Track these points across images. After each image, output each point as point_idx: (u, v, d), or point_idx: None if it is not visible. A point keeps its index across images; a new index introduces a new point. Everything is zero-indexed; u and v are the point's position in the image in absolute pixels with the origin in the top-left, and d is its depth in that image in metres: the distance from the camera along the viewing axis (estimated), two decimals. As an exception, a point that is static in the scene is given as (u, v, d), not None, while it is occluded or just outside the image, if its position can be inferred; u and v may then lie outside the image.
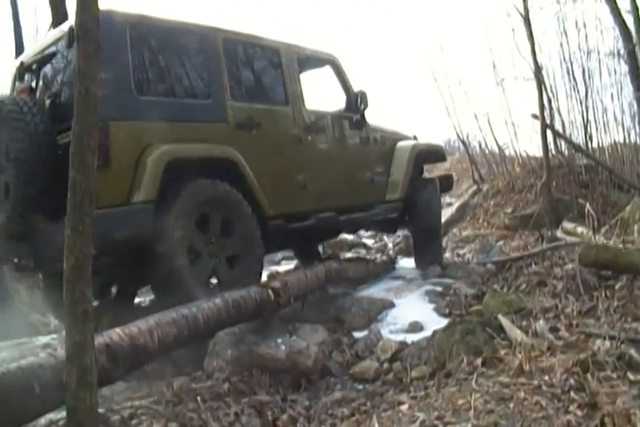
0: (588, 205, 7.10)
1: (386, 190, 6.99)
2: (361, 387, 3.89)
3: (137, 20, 4.75)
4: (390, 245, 10.20)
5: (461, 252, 9.42)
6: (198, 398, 3.27)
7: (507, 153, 13.79)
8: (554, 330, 3.86)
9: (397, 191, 6.99)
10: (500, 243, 9.14)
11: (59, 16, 6.75)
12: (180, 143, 4.66)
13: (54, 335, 5.50)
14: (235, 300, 3.62)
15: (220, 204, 4.82)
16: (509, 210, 10.85)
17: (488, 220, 10.97)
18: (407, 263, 8.10)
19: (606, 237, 7.44)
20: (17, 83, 5.22)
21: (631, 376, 3.03)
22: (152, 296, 5.67)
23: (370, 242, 11.38)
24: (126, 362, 2.63)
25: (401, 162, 7.13)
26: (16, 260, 4.76)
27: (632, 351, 3.26)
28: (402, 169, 7.08)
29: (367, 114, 6.76)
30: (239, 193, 4.94)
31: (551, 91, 12.02)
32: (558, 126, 11.99)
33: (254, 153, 5.17)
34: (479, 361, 3.43)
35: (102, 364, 2.46)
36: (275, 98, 5.93)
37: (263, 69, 6.08)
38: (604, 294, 4.93)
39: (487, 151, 14.10)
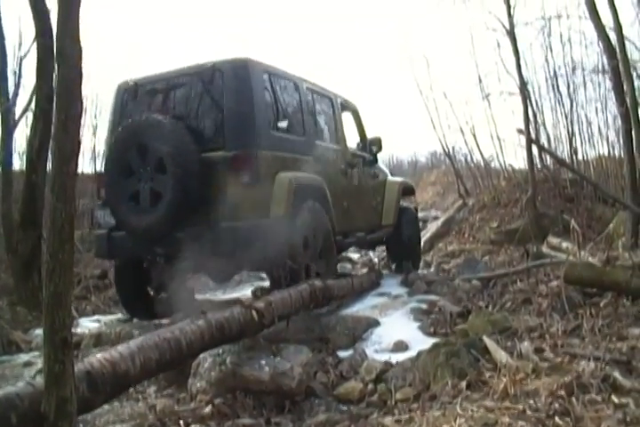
0: (573, 221, 7.12)
1: (382, 216, 8.22)
2: (345, 408, 3.86)
3: (268, 69, 5.93)
4: (375, 260, 10.18)
5: (447, 267, 9.42)
6: (181, 422, 3.23)
7: (492, 166, 13.88)
8: (538, 351, 3.85)
9: (391, 218, 8.30)
10: (486, 258, 9.16)
11: (42, 25, 6.70)
12: (293, 171, 5.72)
13: (36, 353, 5.42)
14: (218, 321, 3.59)
15: (319, 220, 5.95)
16: (495, 224, 10.90)
17: (474, 234, 11.00)
18: (392, 279, 8.11)
19: (591, 253, 7.47)
20: (130, 101, 6.00)
21: (615, 399, 3.01)
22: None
23: (355, 256, 11.39)
24: (107, 389, 2.58)
25: (392, 194, 8.40)
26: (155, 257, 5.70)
27: (616, 374, 3.25)
28: (393, 200, 8.38)
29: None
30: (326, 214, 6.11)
31: (536, 105, 12.15)
32: (543, 140, 12.09)
33: (325, 180, 6.26)
34: (464, 384, 3.41)
35: (82, 391, 2.41)
36: (332, 138, 7.14)
37: (326, 114, 7.22)
38: (588, 312, 4.93)
39: (473, 164, 14.17)
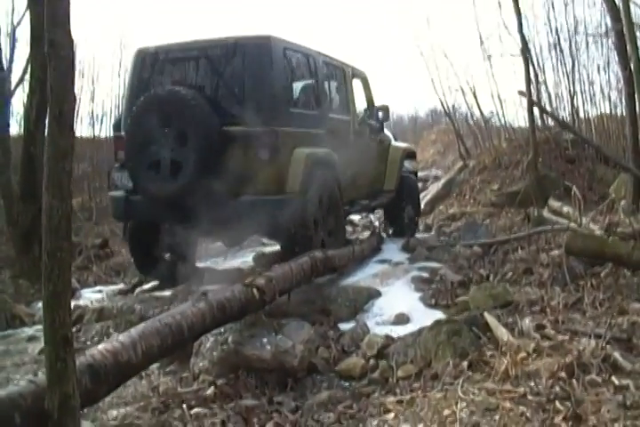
0: (574, 188, 7.07)
1: (384, 182, 8.39)
2: (347, 384, 3.89)
3: (288, 46, 6.08)
4: (376, 223, 10.16)
5: (447, 230, 9.42)
6: (184, 405, 3.25)
7: (492, 124, 13.78)
8: (540, 328, 3.86)
9: (393, 183, 8.44)
10: (487, 221, 9.16)
11: (37, 16, 6.54)
12: (308, 146, 5.89)
13: (39, 326, 5.45)
14: (219, 302, 3.58)
15: (329, 192, 6.19)
16: (496, 187, 10.85)
17: (474, 196, 10.97)
18: (393, 243, 8.12)
19: (593, 219, 7.44)
20: (150, 68, 6.07)
21: (616, 381, 3.03)
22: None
23: (356, 218, 11.37)
24: (110, 380, 2.59)
25: (395, 159, 8.54)
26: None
27: (616, 354, 3.27)
28: (396, 165, 8.52)
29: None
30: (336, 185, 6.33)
31: (538, 65, 11.95)
32: (545, 100, 11.95)
33: (334, 151, 6.38)
34: (465, 364, 3.43)
35: (85, 385, 2.42)
36: (343, 109, 7.32)
37: (338, 85, 7.42)
38: (590, 284, 4.95)
39: (472, 122, 14.04)
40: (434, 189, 12.27)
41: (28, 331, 5.51)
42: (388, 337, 4.27)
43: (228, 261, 7.94)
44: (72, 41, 2.24)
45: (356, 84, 8.02)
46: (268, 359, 3.76)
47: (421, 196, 12.10)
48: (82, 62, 12.36)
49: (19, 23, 9.07)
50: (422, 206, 11.17)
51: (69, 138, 2.22)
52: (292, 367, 3.82)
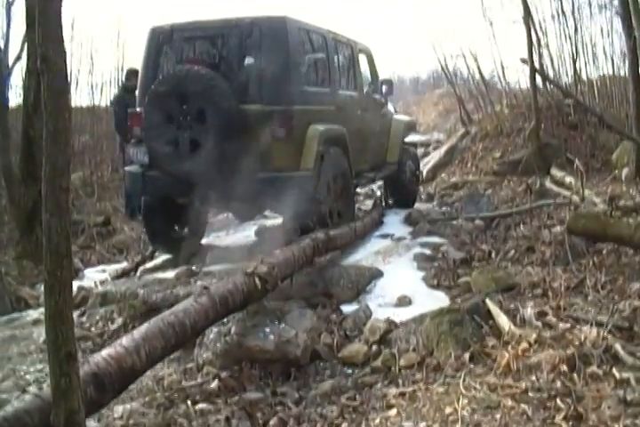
0: (577, 160, 7.04)
1: (387, 154, 8.51)
2: (350, 371, 3.93)
3: (303, 26, 6.24)
4: (378, 193, 10.12)
5: (450, 200, 9.40)
6: (189, 401, 3.29)
7: (494, 86, 13.69)
8: (542, 315, 3.87)
9: (395, 155, 8.54)
10: (489, 191, 9.14)
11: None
12: (321, 123, 6.04)
13: (43, 309, 5.50)
14: (222, 296, 3.59)
15: (340, 167, 6.36)
16: (498, 155, 10.80)
17: (476, 164, 10.93)
18: (395, 215, 8.14)
19: (594, 190, 7.42)
20: (165, 46, 6.17)
21: (616, 374, 3.05)
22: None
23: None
24: (115, 386, 2.61)
25: (397, 132, 8.66)
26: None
27: (618, 346, 3.28)
28: (398, 138, 8.65)
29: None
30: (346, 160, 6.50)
31: (540, 28, 11.78)
32: (547, 62, 11.82)
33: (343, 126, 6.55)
34: (467, 357, 3.45)
35: (90, 395, 2.44)
36: (351, 86, 7.48)
37: (347, 62, 7.55)
38: (592, 262, 4.97)
39: (474, 87, 13.91)
40: (436, 156, 12.20)
41: (33, 314, 5.56)
42: (390, 322, 4.28)
43: (230, 235, 7.95)
44: (65, 56, 2.20)
45: (362, 59, 8.11)
46: (271, 350, 3.80)
47: (423, 162, 12.09)
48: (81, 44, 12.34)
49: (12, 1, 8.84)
50: (424, 174, 11.21)
51: (65, 154, 2.19)
52: (295, 357, 3.85)
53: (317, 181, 5.89)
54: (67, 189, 2.20)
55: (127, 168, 6.45)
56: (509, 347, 3.42)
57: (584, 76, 12.18)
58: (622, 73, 11.49)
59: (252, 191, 5.52)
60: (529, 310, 3.86)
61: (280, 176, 5.67)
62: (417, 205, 9.21)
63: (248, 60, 5.75)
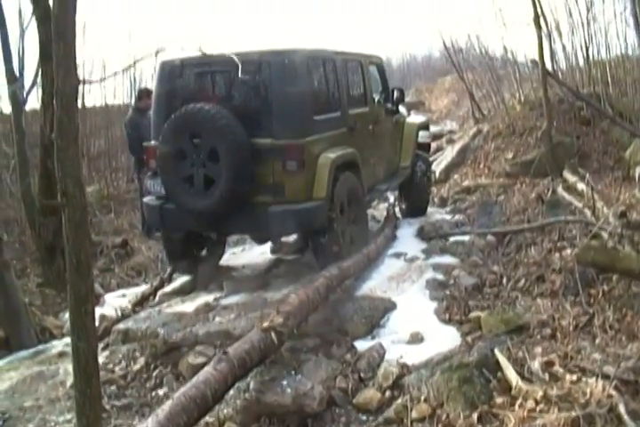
0: (588, 175, 7.07)
1: (400, 159, 8.63)
2: (364, 418, 4.10)
3: (310, 55, 6.26)
4: (392, 200, 10.19)
5: (463, 206, 9.50)
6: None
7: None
8: (549, 365, 3.99)
9: (408, 159, 8.66)
10: (501, 198, 9.19)
11: (40, 11, 6.50)
12: (332, 150, 6.15)
13: (68, 339, 5.68)
14: (240, 359, 3.72)
15: (352, 188, 6.47)
16: (510, 155, 10.83)
17: (489, 165, 10.96)
18: (408, 227, 8.28)
19: (606, 202, 7.44)
20: (176, 80, 6.26)
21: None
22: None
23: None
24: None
25: (409, 136, 8.73)
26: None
27: (621, 407, 3.39)
28: (411, 142, 8.71)
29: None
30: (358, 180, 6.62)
31: (551, 12, 11.60)
32: (559, 50, 11.68)
33: (356, 147, 6.64)
34: (475, 417, 3.59)
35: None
36: (362, 102, 7.44)
37: (357, 80, 7.50)
38: (601, 293, 5.07)
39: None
40: (448, 154, 12.23)
41: (58, 345, 5.76)
42: (403, 366, 4.45)
43: (246, 251, 8.09)
44: (77, 91, 2.33)
45: (372, 70, 8.16)
46: (288, 405, 3.95)
47: (437, 161, 12.15)
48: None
49: (27, 26, 8.88)
50: (437, 174, 11.30)
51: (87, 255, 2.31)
52: (312, 410, 4.00)
53: (330, 207, 6.02)
54: (92, 312, 2.33)
55: (145, 199, 6.61)
56: (517, 405, 3.56)
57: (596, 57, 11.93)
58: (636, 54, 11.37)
59: (267, 223, 5.80)
60: (536, 363, 3.97)
61: (293, 209, 5.81)
62: (430, 210, 9.34)
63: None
